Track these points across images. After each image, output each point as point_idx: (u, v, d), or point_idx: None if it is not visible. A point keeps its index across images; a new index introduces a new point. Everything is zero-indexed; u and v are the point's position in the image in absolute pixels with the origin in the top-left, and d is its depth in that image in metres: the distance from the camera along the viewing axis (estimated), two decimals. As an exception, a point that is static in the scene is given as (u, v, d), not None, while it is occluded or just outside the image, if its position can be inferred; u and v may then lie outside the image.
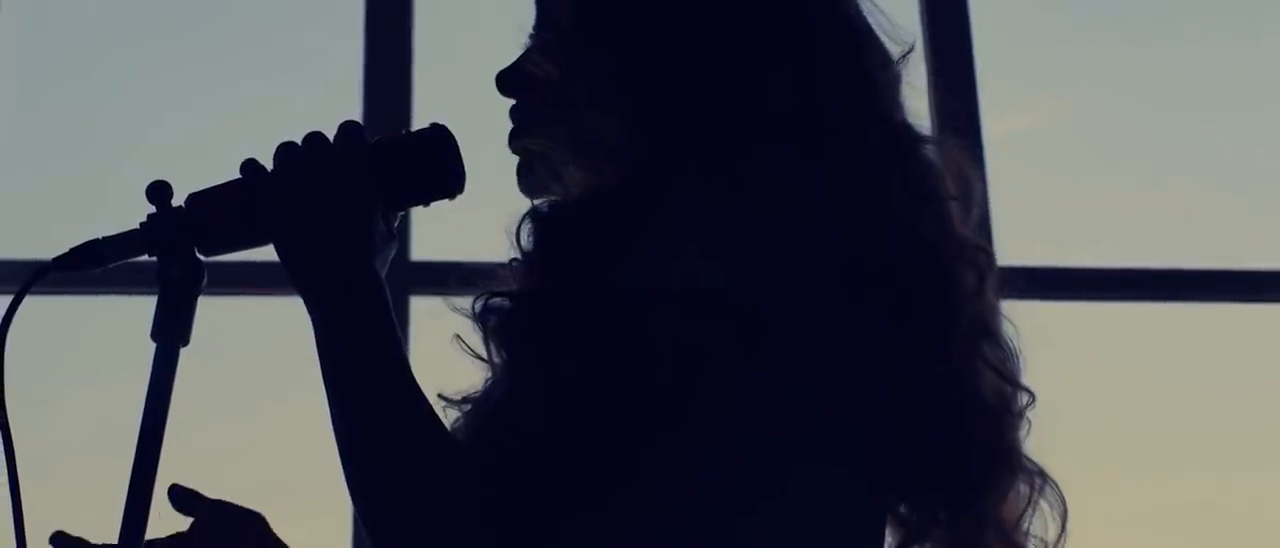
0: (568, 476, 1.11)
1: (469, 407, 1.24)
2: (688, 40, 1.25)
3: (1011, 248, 1.26)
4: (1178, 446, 3.07)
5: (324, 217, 1.22)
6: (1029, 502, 1.26)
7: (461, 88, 3.04)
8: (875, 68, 1.30)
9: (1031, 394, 1.28)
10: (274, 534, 1.41)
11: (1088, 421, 2.80)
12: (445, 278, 2.91)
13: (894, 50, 1.32)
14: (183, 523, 1.40)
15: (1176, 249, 3.20)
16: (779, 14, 1.27)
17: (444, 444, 1.16)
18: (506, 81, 1.34)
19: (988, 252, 1.28)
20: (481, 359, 1.23)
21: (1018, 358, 1.28)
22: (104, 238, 1.24)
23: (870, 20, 1.32)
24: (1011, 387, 1.26)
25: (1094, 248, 3.16)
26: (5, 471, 1.29)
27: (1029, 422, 1.27)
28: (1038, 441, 1.28)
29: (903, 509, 1.25)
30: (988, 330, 1.26)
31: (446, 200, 1.27)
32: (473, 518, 1.11)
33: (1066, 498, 1.28)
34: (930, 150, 1.29)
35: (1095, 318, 3.22)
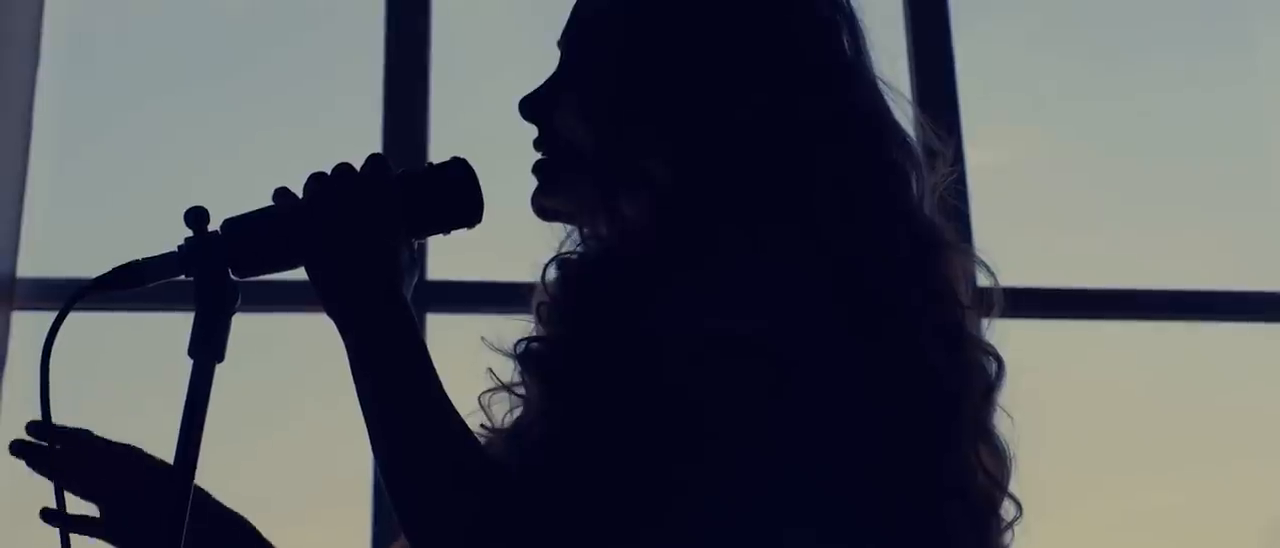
0: (600, 507, 1.11)
1: (503, 437, 1.23)
2: (729, 109, 1.24)
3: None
4: (1144, 453, 3.08)
5: (353, 243, 1.22)
6: None
7: (473, 118, 3.06)
8: (901, 161, 1.28)
9: (1019, 504, 1.25)
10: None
11: (1064, 429, 2.82)
12: (460, 296, 2.94)
13: (924, 152, 1.31)
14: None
15: (1147, 273, 3.22)
16: (818, 92, 1.26)
17: (476, 458, 1.15)
18: (531, 109, 1.33)
19: (999, 359, 1.26)
20: (516, 394, 1.23)
21: (1010, 465, 1.25)
22: (144, 259, 1.24)
23: (897, 116, 1.31)
24: (1000, 492, 1.24)
25: (1069, 271, 3.17)
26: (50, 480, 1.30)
27: (1012, 529, 1.25)
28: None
29: None
30: (986, 434, 1.24)
31: (465, 229, 1.28)
32: (502, 531, 1.11)
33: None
34: (950, 254, 1.27)
35: (1065, 334, 3.22)
